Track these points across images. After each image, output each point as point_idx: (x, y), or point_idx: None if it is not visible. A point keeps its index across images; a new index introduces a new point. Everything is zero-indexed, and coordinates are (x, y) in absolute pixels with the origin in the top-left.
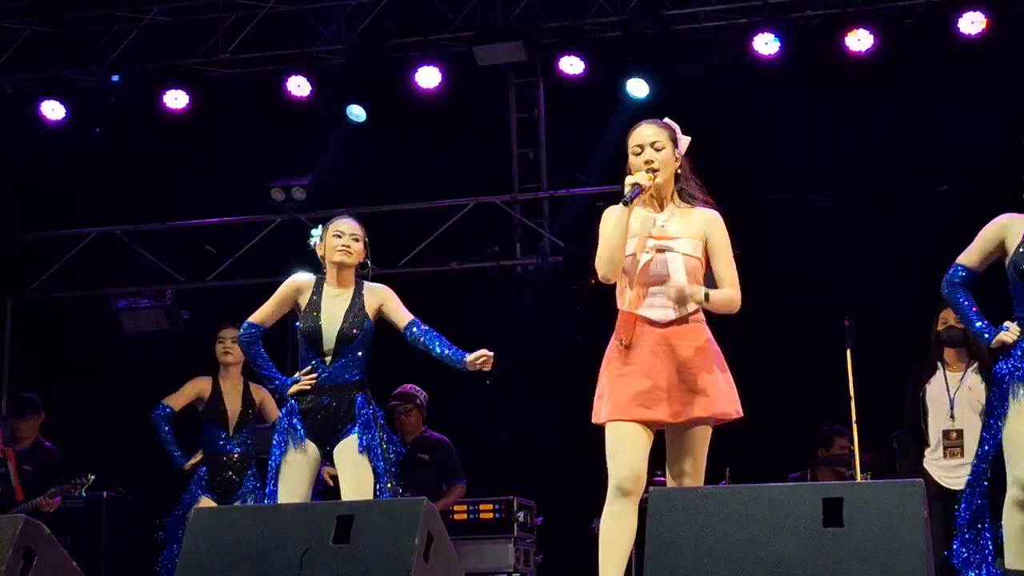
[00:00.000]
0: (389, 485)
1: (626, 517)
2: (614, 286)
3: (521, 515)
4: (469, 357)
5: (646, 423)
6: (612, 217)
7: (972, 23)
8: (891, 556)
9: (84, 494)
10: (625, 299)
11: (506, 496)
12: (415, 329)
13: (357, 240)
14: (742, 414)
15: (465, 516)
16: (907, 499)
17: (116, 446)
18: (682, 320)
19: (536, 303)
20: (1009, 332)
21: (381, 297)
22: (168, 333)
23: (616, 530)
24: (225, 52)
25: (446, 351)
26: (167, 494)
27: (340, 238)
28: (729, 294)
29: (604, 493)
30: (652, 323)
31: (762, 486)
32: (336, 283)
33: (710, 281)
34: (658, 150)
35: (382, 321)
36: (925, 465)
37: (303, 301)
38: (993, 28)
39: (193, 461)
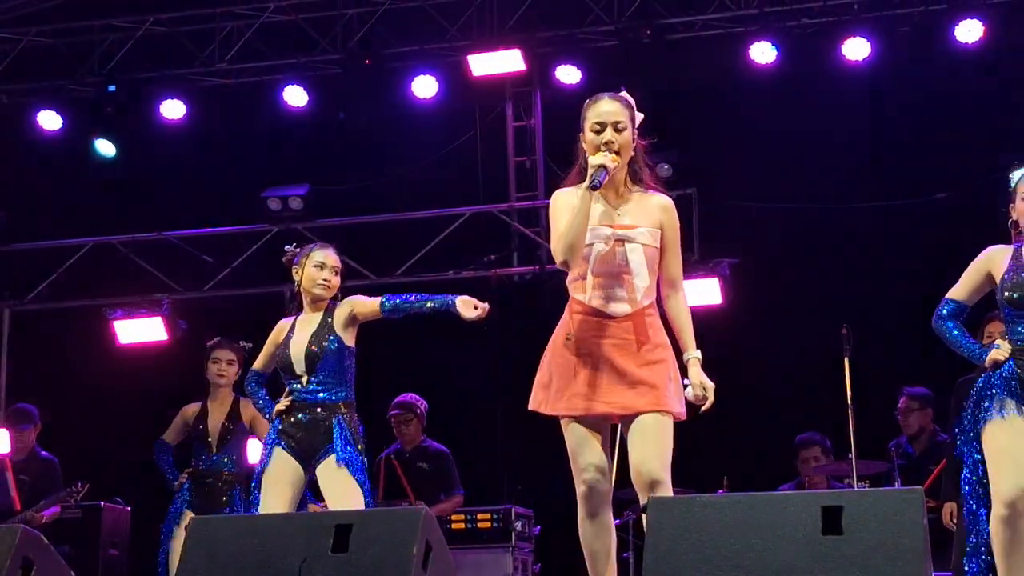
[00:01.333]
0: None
1: (604, 523)
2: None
3: (519, 524)
4: (460, 298)
5: (599, 417)
6: (566, 200)
7: (969, 31)
8: (890, 564)
9: (79, 502)
10: (579, 289)
11: (504, 505)
12: (388, 302)
13: (336, 274)
14: (685, 417)
15: (463, 525)
16: (906, 507)
17: (113, 456)
18: (636, 315)
19: (533, 312)
20: (1000, 350)
21: (349, 305)
22: (165, 343)
23: (598, 538)
24: (222, 62)
25: (428, 303)
26: (164, 505)
27: (321, 271)
28: (689, 317)
29: None
30: (607, 316)
31: (761, 494)
32: (310, 309)
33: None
34: (620, 131)
35: (364, 331)
36: None
37: (281, 338)
38: (989, 36)
39: (181, 480)
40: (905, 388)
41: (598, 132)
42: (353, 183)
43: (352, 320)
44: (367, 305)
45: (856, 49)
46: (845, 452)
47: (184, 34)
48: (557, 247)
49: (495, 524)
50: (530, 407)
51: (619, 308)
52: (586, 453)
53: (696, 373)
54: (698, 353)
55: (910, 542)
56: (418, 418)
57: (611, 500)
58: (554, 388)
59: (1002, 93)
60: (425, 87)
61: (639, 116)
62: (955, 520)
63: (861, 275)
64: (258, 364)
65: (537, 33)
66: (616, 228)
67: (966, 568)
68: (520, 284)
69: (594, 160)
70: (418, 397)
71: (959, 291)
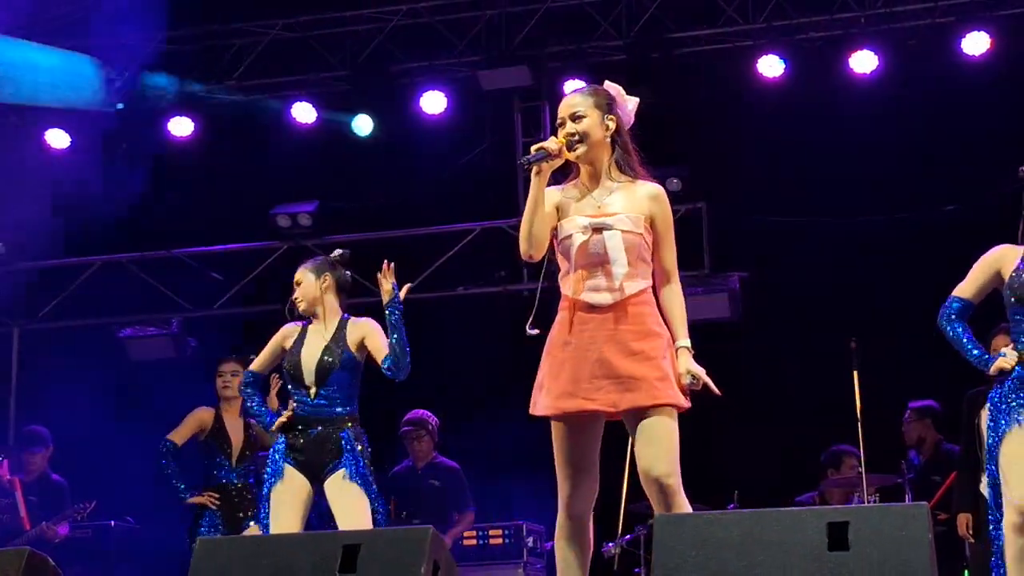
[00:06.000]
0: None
1: (580, 533)
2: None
3: (531, 540)
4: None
5: (586, 415)
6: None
7: (976, 43)
8: None
9: (85, 520)
10: (565, 284)
11: (515, 521)
12: (387, 363)
13: (300, 284)
14: (688, 406)
15: (475, 541)
16: (912, 522)
17: (123, 475)
18: (621, 304)
19: (544, 328)
20: (1006, 358)
21: (363, 330)
22: (175, 361)
23: (570, 548)
24: (230, 79)
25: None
26: (175, 524)
27: (297, 287)
28: (682, 307)
29: (615, 519)
30: (592, 308)
31: (767, 511)
32: (319, 321)
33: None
34: (578, 119)
35: (369, 354)
36: (982, 489)
37: (288, 344)
38: (997, 48)
39: (197, 499)
40: (910, 402)
41: (562, 125)
42: (362, 199)
43: (362, 344)
44: (377, 347)
45: (864, 62)
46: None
47: (193, 52)
48: (519, 239)
49: (507, 540)
50: (530, 411)
51: (601, 298)
52: (568, 455)
53: (684, 362)
54: (687, 342)
55: (916, 558)
56: (430, 434)
57: (592, 510)
58: (544, 388)
59: (1010, 105)
60: (434, 103)
61: (630, 101)
62: (971, 530)
63: (871, 288)
64: (256, 365)
65: (546, 48)
66: (593, 216)
67: None
68: (530, 300)
69: (536, 145)
70: (429, 413)
71: (967, 289)
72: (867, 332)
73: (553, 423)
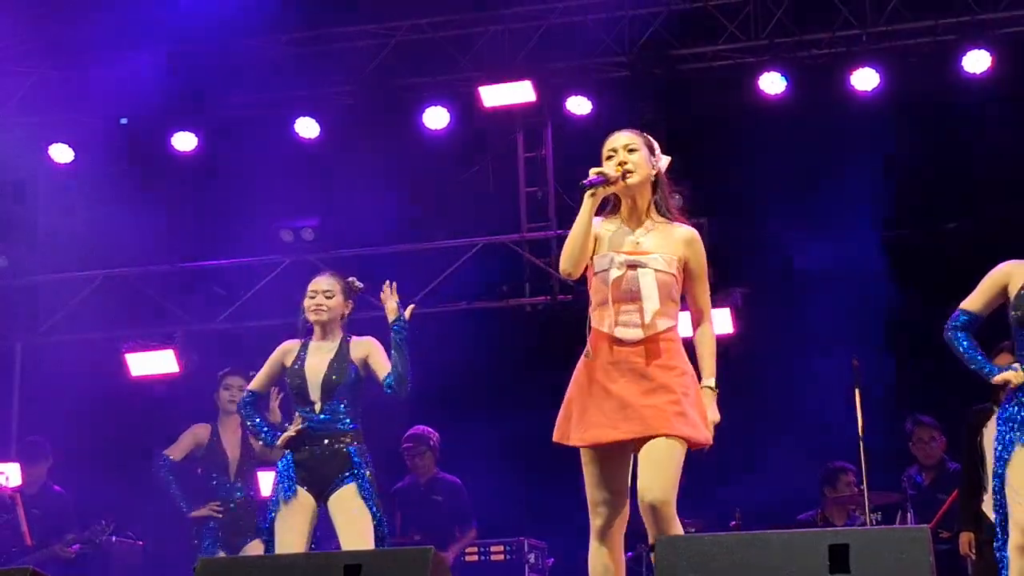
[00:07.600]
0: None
1: (614, 556)
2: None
3: (532, 556)
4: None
5: (615, 446)
6: None
7: (977, 61)
8: None
9: (102, 539)
10: (596, 317)
11: (517, 537)
12: (389, 381)
13: (330, 297)
14: (711, 442)
15: (476, 558)
16: (913, 546)
17: (125, 490)
18: (651, 340)
19: (546, 343)
20: (1017, 372)
21: (366, 349)
22: (177, 375)
23: (607, 572)
24: (234, 94)
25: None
26: (177, 539)
27: (313, 298)
28: (712, 347)
29: None
30: (621, 342)
31: (768, 533)
32: (321, 337)
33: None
34: (632, 152)
35: (372, 373)
36: (984, 508)
37: (288, 361)
38: (998, 66)
39: (200, 512)
40: (919, 416)
41: (610, 158)
42: (365, 214)
43: (365, 362)
44: (380, 365)
45: (865, 79)
46: (858, 482)
47: (195, 66)
48: (561, 257)
49: (508, 556)
50: (554, 439)
51: (631, 333)
52: (599, 484)
53: (704, 403)
54: (712, 382)
55: None
56: (431, 450)
57: (624, 534)
58: (574, 419)
59: (1011, 122)
60: (437, 118)
61: (664, 157)
62: (973, 549)
63: (872, 305)
64: (256, 384)
65: (548, 64)
66: (629, 253)
67: None
68: (532, 314)
69: (594, 169)
70: (430, 429)
71: (973, 302)
72: (869, 348)
73: (584, 453)
